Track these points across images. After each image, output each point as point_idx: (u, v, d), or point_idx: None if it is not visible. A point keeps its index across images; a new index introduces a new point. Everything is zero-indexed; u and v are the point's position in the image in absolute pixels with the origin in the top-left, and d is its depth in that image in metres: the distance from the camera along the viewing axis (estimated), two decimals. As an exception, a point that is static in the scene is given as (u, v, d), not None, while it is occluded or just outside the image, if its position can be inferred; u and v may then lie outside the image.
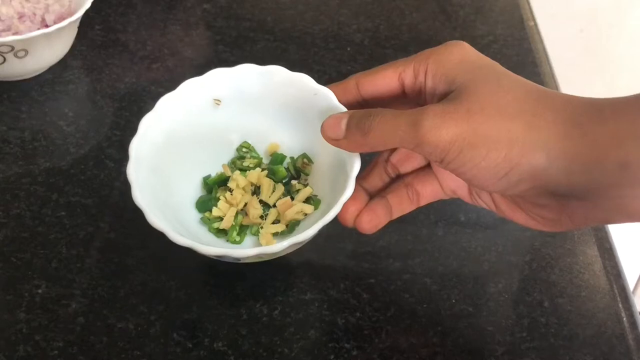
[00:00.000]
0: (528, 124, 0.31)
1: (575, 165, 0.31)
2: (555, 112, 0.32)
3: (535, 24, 0.65)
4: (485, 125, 0.32)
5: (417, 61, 0.37)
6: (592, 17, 1.20)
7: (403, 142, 0.33)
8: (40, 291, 0.39)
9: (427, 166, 0.39)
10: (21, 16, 0.53)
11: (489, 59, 0.36)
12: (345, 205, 0.36)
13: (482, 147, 0.31)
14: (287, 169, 0.41)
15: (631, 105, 0.31)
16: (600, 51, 1.24)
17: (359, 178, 0.38)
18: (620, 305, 0.40)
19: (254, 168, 0.41)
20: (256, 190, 0.40)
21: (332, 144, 0.36)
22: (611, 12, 1.19)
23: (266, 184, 0.40)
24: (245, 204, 0.39)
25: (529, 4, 0.68)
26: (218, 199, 0.39)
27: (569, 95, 0.33)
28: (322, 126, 0.36)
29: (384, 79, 0.38)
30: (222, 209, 0.39)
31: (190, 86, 0.39)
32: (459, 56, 0.36)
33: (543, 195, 0.32)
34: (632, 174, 0.30)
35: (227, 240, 0.38)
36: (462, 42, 0.37)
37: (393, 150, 0.39)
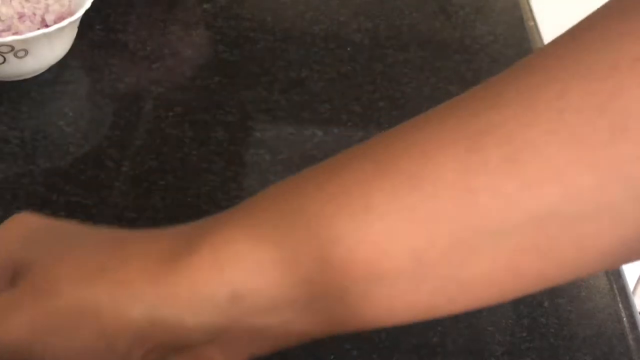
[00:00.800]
0: (114, 282, 0.25)
1: (177, 309, 0.24)
2: (143, 257, 0.26)
3: (535, 24, 0.65)
4: (61, 300, 0.25)
5: None
6: (592, 17, 1.20)
7: None
8: (40, 291, 0.39)
9: None
10: (21, 16, 0.53)
11: (51, 220, 0.29)
12: None
13: (67, 325, 0.25)
14: None
15: (225, 221, 0.25)
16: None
17: None
18: (620, 305, 0.40)
19: None
20: None
21: None
22: (611, 12, 1.19)
23: None
24: None
25: (529, 4, 0.68)
26: None
27: (154, 234, 0.28)
28: None
29: None
30: None
31: None
32: (18, 232, 0.29)
33: (179, 349, 0.26)
34: (249, 304, 0.24)
35: None
36: (23, 214, 0.30)
37: None
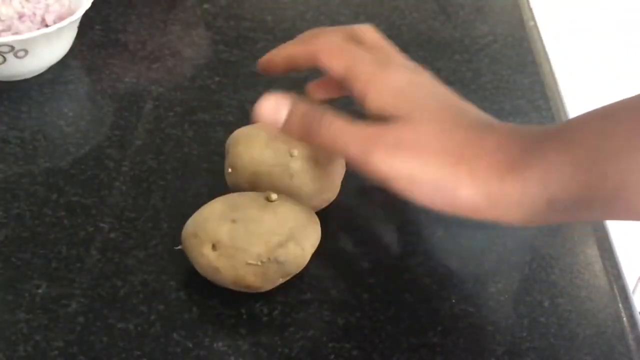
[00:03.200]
0: (470, 168, 0.33)
1: (509, 204, 0.34)
2: (494, 155, 0.34)
3: (535, 24, 0.65)
4: (432, 166, 0.34)
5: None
6: (593, 16, 1.20)
7: (349, 160, 0.35)
8: (40, 291, 0.39)
9: None
10: (21, 16, 0.53)
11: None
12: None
13: (428, 185, 0.34)
14: None
15: (551, 147, 0.33)
16: (601, 51, 1.24)
17: None
18: (620, 305, 0.40)
19: None
20: None
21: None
22: (611, 12, 1.19)
23: None
24: None
25: (528, 4, 0.68)
26: None
27: (503, 138, 0.35)
28: (257, 106, 0.36)
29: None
30: None
31: None
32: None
33: None
34: (554, 208, 0.33)
35: None
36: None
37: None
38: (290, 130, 0.36)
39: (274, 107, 0.36)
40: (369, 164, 0.34)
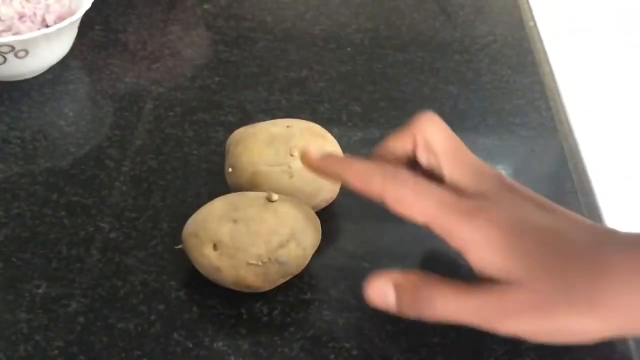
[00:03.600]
0: (598, 306, 0.32)
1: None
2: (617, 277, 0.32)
3: (535, 24, 0.65)
4: (560, 319, 0.32)
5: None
6: (593, 16, 1.20)
7: (468, 324, 0.33)
8: (40, 291, 0.39)
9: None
10: (21, 16, 0.53)
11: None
12: None
13: (558, 333, 0.33)
14: None
15: None
16: (601, 51, 1.23)
17: None
18: (620, 305, 0.40)
19: None
20: None
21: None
22: (611, 12, 1.19)
23: None
24: None
25: (528, 4, 0.68)
26: None
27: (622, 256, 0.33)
28: (366, 291, 0.34)
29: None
30: None
31: None
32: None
33: None
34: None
35: None
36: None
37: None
38: (404, 313, 0.34)
39: (380, 292, 0.34)
40: (496, 330, 0.33)
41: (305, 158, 0.37)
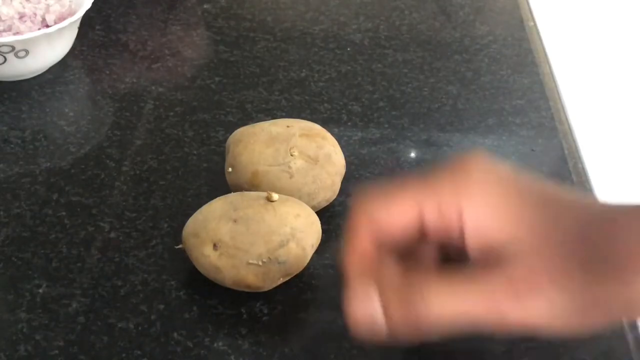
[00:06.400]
0: (596, 280, 0.29)
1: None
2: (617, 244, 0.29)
3: (535, 24, 0.65)
4: (565, 298, 0.28)
5: (443, 201, 0.30)
6: (593, 16, 1.20)
7: (474, 321, 0.29)
8: (40, 291, 0.39)
9: None
10: (22, 16, 0.53)
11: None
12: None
13: (566, 316, 0.29)
14: None
15: None
16: (601, 51, 1.24)
17: None
18: (619, 305, 0.40)
19: None
20: None
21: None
22: (611, 12, 1.19)
23: None
24: None
25: (528, 4, 0.68)
26: None
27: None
28: (349, 317, 0.30)
29: (399, 215, 0.31)
30: None
31: None
32: (493, 201, 0.30)
33: None
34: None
35: None
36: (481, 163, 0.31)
37: None
38: (400, 337, 0.30)
39: (366, 313, 0.29)
40: (506, 319, 0.29)
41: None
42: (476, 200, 0.30)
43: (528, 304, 0.28)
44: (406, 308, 0.29)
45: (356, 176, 0.47)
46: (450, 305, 0.29)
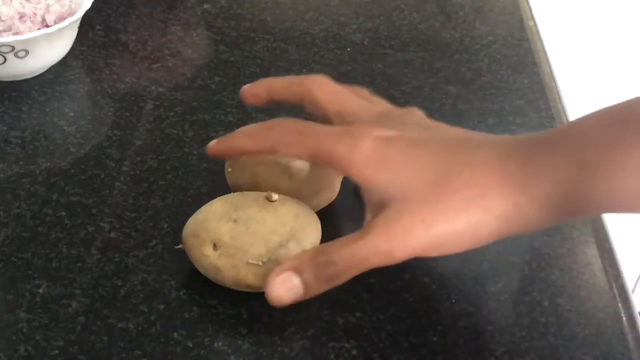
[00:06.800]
0: (483, 206, 0.33)
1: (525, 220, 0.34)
2: (491, 168, 0.34)
3: (535, 24, 0.65)
4: (448, 225, 0.33)
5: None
6: (593, 16, 1.20)
7: (376, 264, 0.33)
8: (40, 291, 0.39)
9: None
10: (22, 16, 0.53)
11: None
12: None
13: (454, 240, 0.34)
14: None
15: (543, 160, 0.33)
16: (601, 51, 1.24)
17: None
18: (619, 305, 0.40)
19: None
20: None
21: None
22: (611, 12, 1.19)
23: None
24: None
25: (528, 4, 0.68)
26: None
27: (494, 149, 0.35)
28: (267, 290, 0.34)
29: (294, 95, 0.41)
30: None
31: None
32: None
33: None
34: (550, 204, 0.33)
35: None
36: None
37: None
38: (313, 290, 0.34)
39: (284, 283, 0.34)
40: (397, 259, 0.33)
41: (207, 151, 0.39)
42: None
43: (416, 242, 0.33)
44: (316, 271, 0.33)
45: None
46: (351, 258, 0.33)
